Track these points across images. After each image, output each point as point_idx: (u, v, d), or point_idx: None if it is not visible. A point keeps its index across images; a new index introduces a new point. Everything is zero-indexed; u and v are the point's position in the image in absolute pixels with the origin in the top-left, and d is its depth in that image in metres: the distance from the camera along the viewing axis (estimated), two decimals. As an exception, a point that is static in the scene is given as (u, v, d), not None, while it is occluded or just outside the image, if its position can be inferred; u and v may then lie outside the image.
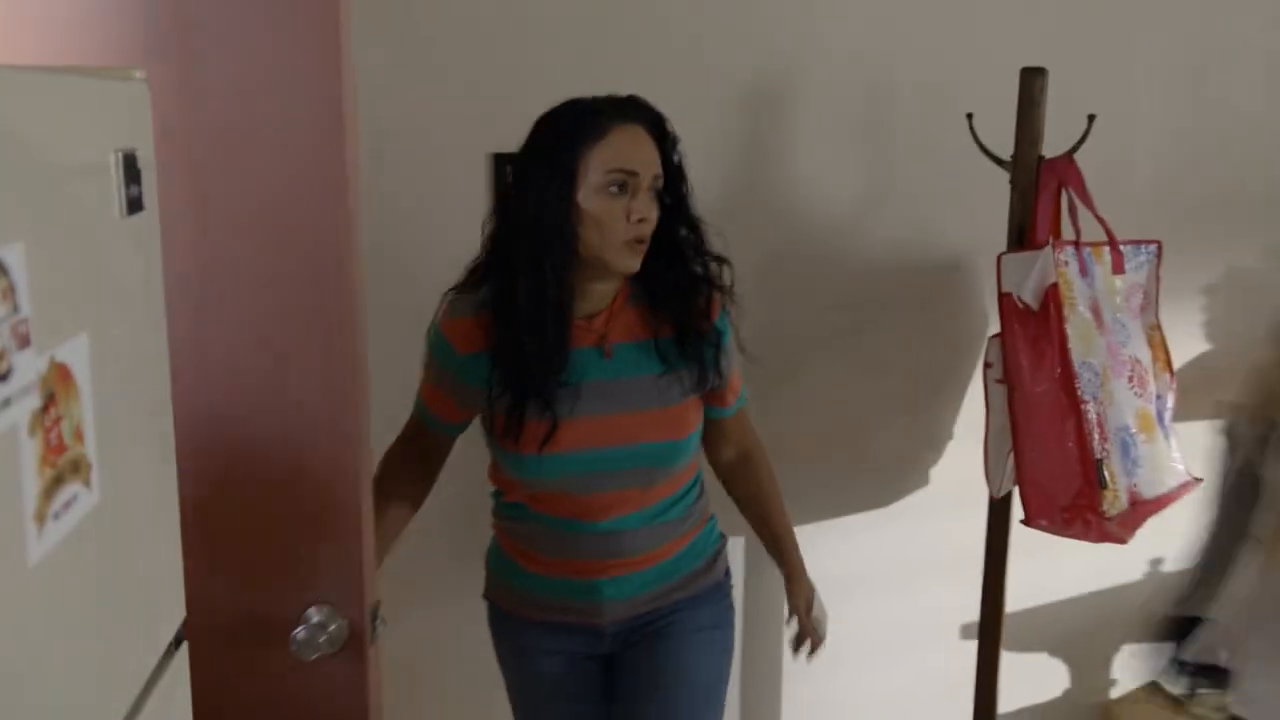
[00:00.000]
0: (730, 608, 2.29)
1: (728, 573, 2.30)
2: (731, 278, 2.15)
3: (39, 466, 0.93)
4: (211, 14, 1.63)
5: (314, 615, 1.73)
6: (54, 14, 1.61)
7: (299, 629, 1.71)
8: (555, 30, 2.59)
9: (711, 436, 2.24)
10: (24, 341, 0.90)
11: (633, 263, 1.98)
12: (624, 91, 2.08)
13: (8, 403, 0.87)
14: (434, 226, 2.59)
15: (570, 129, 1.98)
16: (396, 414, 2.18)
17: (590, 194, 1.94)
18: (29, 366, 0.91)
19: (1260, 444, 1.55)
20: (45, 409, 0.94)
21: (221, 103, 1.65)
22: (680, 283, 2.07)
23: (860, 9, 2.68)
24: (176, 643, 1.33)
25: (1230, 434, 1.64)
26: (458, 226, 2.61)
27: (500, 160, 2.61)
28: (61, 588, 0.98)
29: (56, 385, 0.96)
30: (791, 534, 2.33)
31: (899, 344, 2.86)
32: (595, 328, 2.05)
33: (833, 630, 2.85)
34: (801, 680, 2.91)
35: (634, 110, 2.03)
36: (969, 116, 2.57)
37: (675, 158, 2.07)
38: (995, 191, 2.58)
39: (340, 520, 1.72)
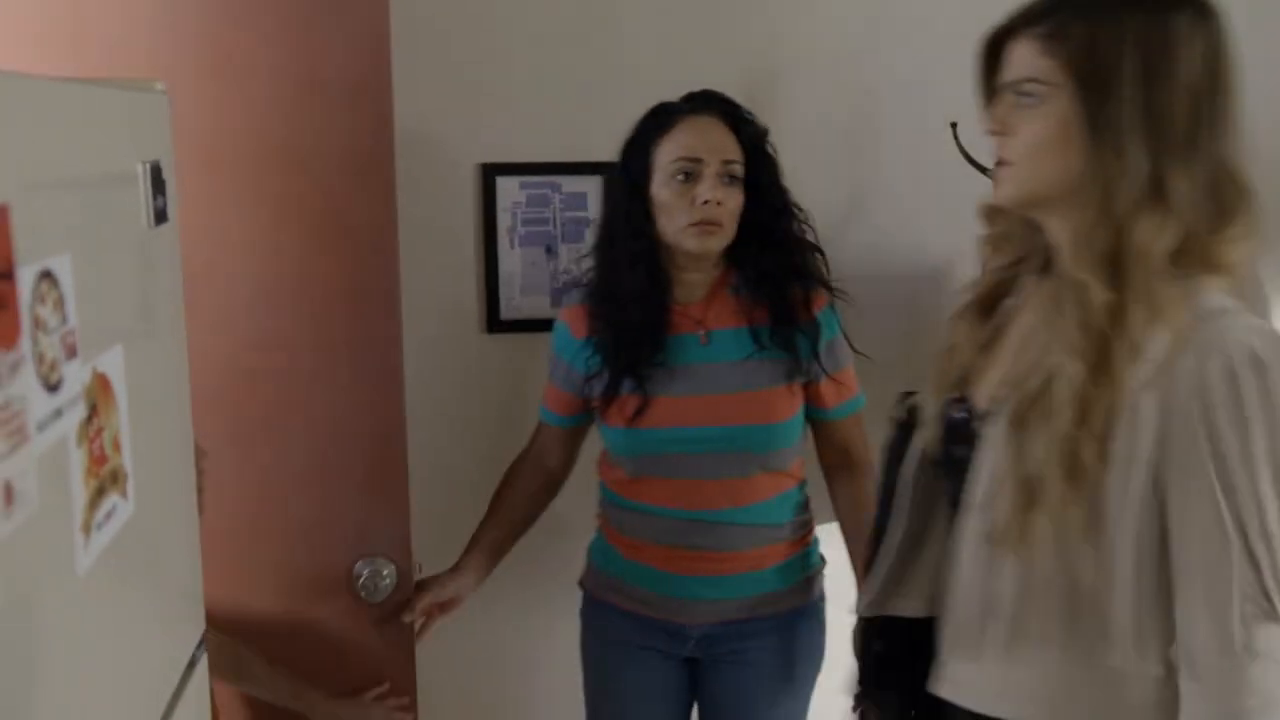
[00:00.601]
0: (822, 630, 2.27)
1: (823, 596, 2.28)
2: (828, 270, 2.22)
3: (85, 477, 0.93)
4: (266, 32, 1.89)
5: (365, 565, 2.07)
6: (112, 32, 1.76)
7: (363, 575, 2.05)
8: (543, 39, 2.59)
9: (816, 437, 2.25)
10: (71, 352, 0.90)
11: (703, 244, 2.06)
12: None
13: (59, 413, 0.87)
14: (423, 232, 2.59)
15: (643, 128, 2.12)
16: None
17: (661, 184, 2.06)
18: (76, 377, 0.91)
19: (950, 425, 1.57)
20: (89, 419, 0.94)
21: (277, 116, 1.92)
22: (772, 270, 2.11)
23: (846, 17, 2.69)
24: (195, 656, 1.34)
25: (911, 417, 1.65)
26: (444, 230, 2.63)
27: (489, 170, 2.62)
28: (105, 598, 0.99)
29: (98, 396, 0.97)
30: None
31: (881, 350, 2.87)
32: (693, 314, 2.12)
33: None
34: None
35: (703, 102, 2.13)
36: (953, 125, 2.59)
37: (765, 146, 2.15)
38: (978, 200, 2.60)
39: (386, 482, 2.06)
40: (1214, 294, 1.40)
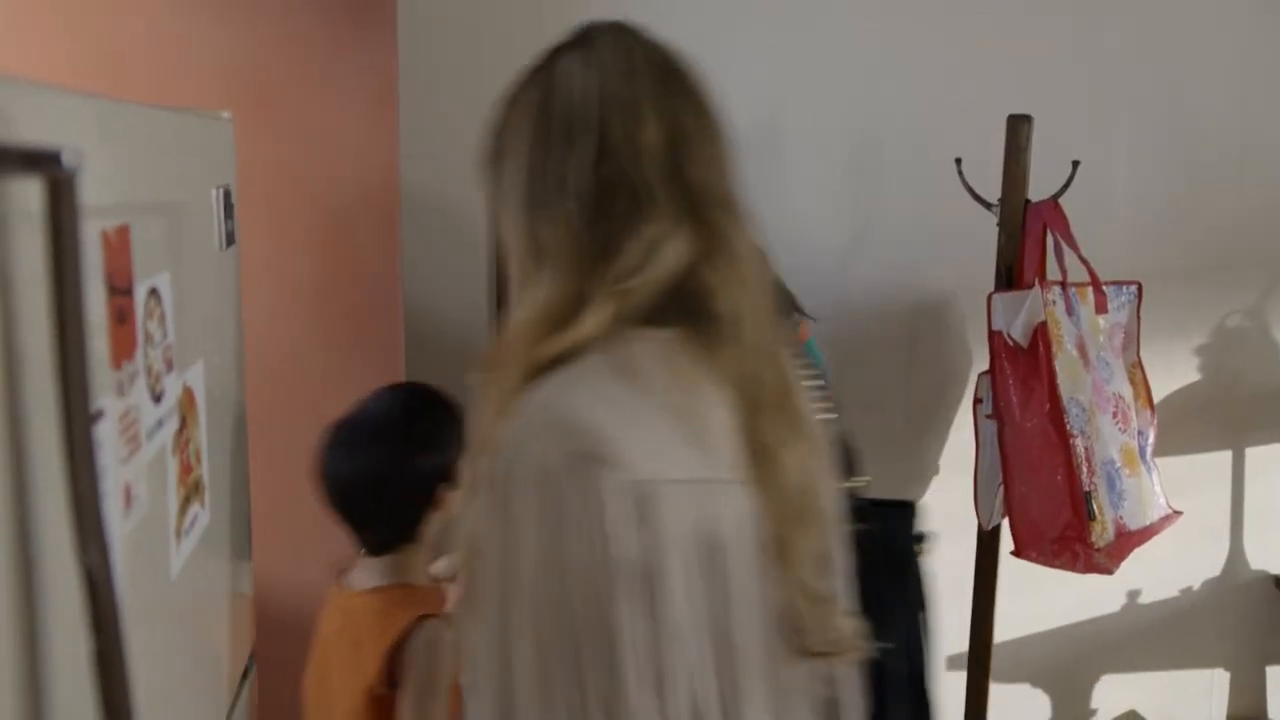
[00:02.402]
0: None
1: None
2: (794, 309, 2.31)
3: (178, 486, 0.97)
4: (289, 74, 2.13)
5: None
6: (154, 65, 1.99)
7: None
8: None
9: None
10: (169, 366, 0.94)
11: None
12: None
13: (161, 424, 0.91)
14: (439, 256, 2.64)
15: None
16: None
17: None
18: (172, 390, 0.95)
19: None
20: (180, 431, 0.98)
21: (298, 147, 2.15)
22: None
23: (852, 55, 2.76)
24: (249, 668, 1.37)
25: None
26: (458, 253, 2.68)
27: (503, 201, 2.67)
28: (189, 603, 1.02)
29: (186, 409, 1.01)
30: None
31: (887, 380, 2.93)
32: None
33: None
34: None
35: None
36: (958, 161, 2.65)
37: None
38: (980, 233, 2.66)
39: None
40: (576, 368, 1.02)
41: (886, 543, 2.21)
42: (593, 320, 1.02)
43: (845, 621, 1.12)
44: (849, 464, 2.00)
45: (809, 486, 1.07)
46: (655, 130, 1.12)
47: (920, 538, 2.39)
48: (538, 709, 0.93)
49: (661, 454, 0.98)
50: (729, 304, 1.05)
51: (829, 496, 1.10)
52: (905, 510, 2.40)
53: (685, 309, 1.05)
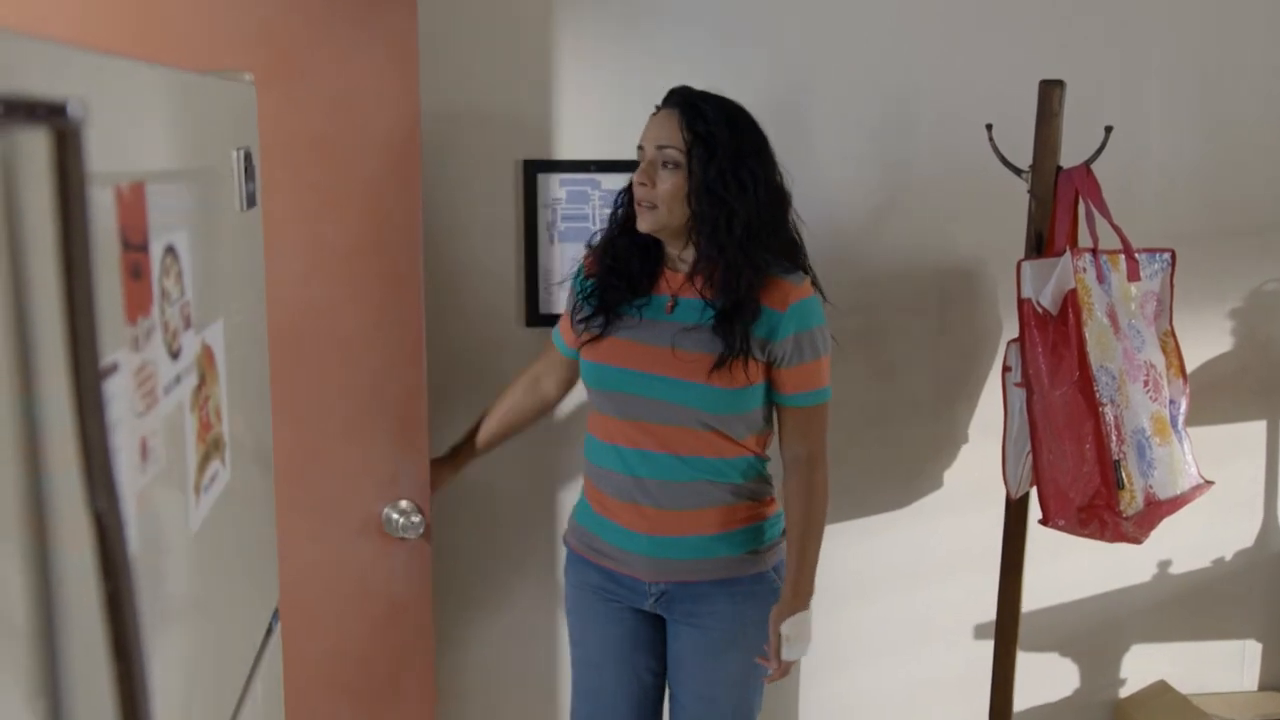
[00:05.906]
0: (774, 600, 2.31)
1: (778, 568, 2.35)
2: (802, 260, 2.32)
3: (196, 442, 0.98)
4: (312, 41, 2.13)
5: (393, 509, 2.35)
6: (178, 27, 1.99)
7: (397, 518, 2.34)
8: (584, 43, 2.65)
9: (777, 420, 2.36)
10: (187, 323, 0.95)
11: (640, 221, 2.24)
12: (643, 96, 2.33)
13: (178, 380, 0.92)
14: (467, 226, 2.65)
15: None
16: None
17: None
18: (190, 347, 0.96)
19: None
20: (199, 388, 0.99)
21: (320, 113, 2.15)
22: (718, 251, 2.21)
23: (883, 22, 2.75)
24: (272, 625, 1.38)
25: None
26: (487, 225, 2.70)
27: (531, 167, 2.68)
28: (209, 556, 1.04)
29: (205, 366, 1.02)
30: (805, 554, 2.29)
31: (915, 348, 2.92)
32: (673, 283, 2.29)
33: (850, 629, 2.93)
34: (820, 679, 2.97)
35: (672, 96, 2.26)
36: (988, 127, 2.63)
37: (717, 134, 2.19)
38: (1010, 200, 2.65)
39: (411, 435, 2.33)
40: None
41: None
42: None
43: None
44: None
45: None
46: None
47: None
48: None
49: None
50: None
51: None
52: None
53: None
